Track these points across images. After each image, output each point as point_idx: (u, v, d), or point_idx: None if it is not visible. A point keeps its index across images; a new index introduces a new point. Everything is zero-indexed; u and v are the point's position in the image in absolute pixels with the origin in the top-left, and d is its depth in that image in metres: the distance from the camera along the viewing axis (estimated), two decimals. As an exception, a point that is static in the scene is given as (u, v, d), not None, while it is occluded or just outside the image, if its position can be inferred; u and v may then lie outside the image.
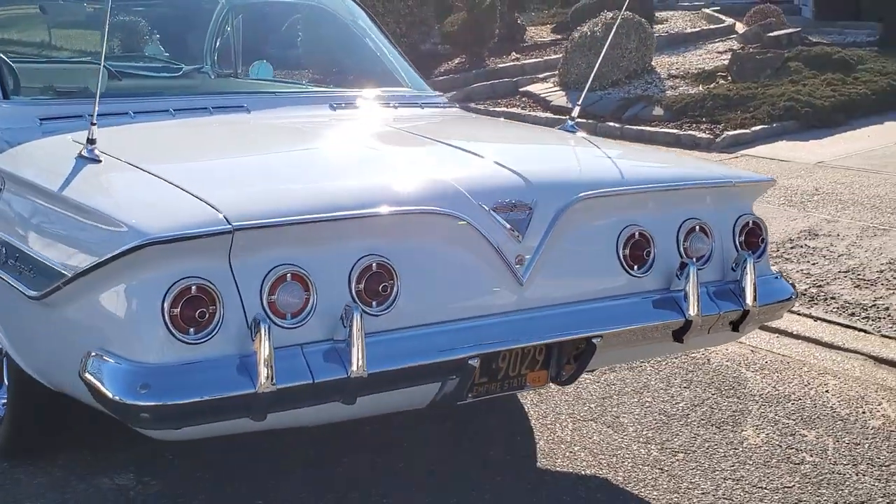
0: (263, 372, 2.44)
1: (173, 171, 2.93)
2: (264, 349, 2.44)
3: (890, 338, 4.91)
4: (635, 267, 3.09)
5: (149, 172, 2.90)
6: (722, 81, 11.73)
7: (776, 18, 14.96)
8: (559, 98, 12.22)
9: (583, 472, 3.54)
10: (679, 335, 3.12)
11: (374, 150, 3.52)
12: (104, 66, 3.09)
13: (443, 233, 2.80)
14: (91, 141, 2.96)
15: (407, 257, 2.72)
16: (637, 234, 3.08)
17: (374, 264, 2.66)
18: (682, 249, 3.17)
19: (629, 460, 3.62)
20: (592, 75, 4.26)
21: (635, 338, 3.09)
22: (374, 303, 2.66)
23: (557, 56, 13.62)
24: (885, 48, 12.56)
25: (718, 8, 19.96)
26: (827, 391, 4.28)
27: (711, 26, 17.10)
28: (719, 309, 3.17)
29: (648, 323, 3.07)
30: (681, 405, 4.10)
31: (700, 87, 11.68)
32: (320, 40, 4.78)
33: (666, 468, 3.56)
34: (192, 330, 2.46)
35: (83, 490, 3.38)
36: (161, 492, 3.37)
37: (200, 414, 2.48)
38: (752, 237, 3.31)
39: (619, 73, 12.21)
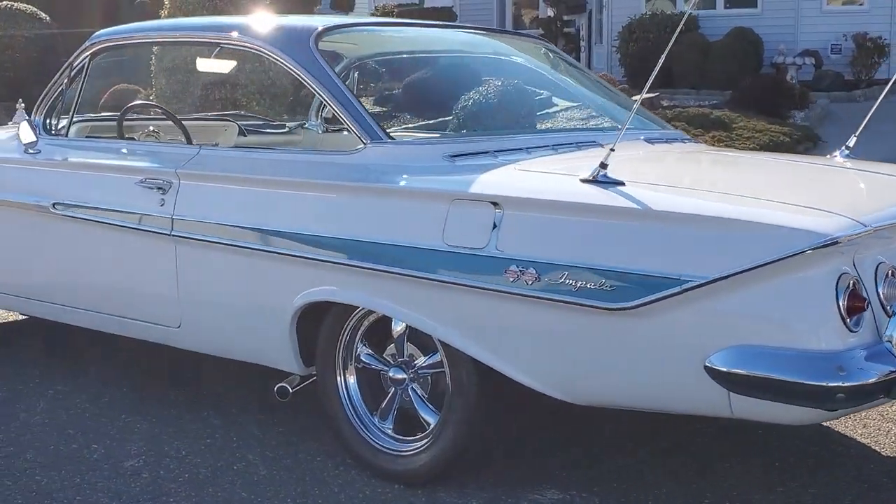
0: (917, 356, 2.80)
1: (725, 189, 3.31)
2: (916, 337, 2.81)
3: None
4: None
5: (707, 191, 3.30)
6: (614, 140, 12.61)
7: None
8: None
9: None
10: None
11: (798, 174, 3.90)
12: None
13: None
14: (604, 165, 3.19)
15: None
16: None
17: None
18: None
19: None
20: None
21: None
22: None
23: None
24: (737, 109, 13.94)
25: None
26: None
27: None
28: None
29: None
30: None
31: (595, 145, 12.50)
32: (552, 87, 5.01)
33: None
34: (849, 320, 2.77)
35: (526, 506, 3.51)
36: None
37: (871, 394, 2.79)
38: None
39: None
